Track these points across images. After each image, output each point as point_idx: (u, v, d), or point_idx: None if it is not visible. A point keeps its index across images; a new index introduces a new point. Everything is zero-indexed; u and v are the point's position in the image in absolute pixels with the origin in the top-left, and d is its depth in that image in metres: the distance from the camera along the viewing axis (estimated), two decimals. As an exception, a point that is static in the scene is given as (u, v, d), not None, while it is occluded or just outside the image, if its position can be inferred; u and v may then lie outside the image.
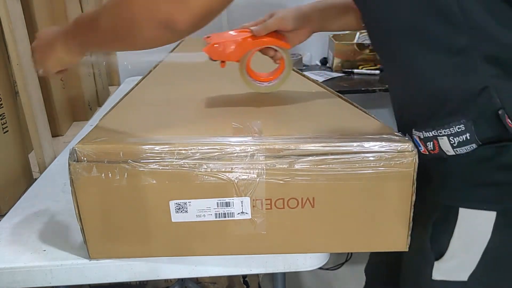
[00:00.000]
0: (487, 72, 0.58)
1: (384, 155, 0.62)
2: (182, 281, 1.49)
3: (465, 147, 0.60)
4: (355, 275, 1.90)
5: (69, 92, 1.42)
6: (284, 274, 0.86)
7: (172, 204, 0.64)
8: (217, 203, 0.64)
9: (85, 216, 0.66)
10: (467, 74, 0.59)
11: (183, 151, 0.62)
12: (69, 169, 0.62)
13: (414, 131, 0.66)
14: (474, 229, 0.64)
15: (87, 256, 0.69)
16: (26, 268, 0.71)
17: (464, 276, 0.67)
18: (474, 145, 0.60)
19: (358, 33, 1.93)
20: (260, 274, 1.62)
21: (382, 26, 0.65)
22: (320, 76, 1.86)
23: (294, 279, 1.87)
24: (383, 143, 0.62)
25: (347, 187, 0.63)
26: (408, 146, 0.62)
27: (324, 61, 2.06)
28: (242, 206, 0.64)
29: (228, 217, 0.65)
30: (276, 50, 0.83)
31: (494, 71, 0.58)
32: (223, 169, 0.62)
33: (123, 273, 0.72)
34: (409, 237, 0.67)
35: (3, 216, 0.87)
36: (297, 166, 0.62)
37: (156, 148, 0.62)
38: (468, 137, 0.59)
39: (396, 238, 0.67)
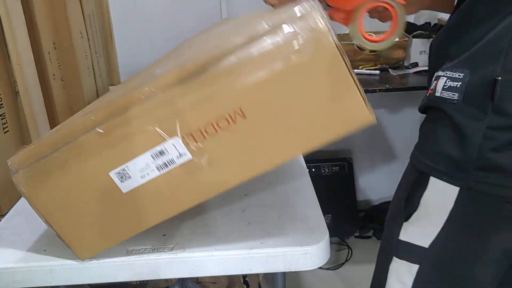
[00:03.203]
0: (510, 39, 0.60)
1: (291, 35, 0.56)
2: (182, 281, 1.49)
3: (450, 92, 0.65)
4: (355, 275, 1.90)
5: (69, 92, 1.42)
6: (284, 274, 0.87)
7: (113, 175, 0.63)
8: (151, 155, 0.62)
9: (53, 220, 0.66)
10: (494, 32, 0.61)
11: (93, 118, 0.62)
12: (14, 183, 0.64)
13: (436, 71, 0.70)
14: (439, 198, 0.67)
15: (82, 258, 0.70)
16: (26, 268, 0.71)
17: (426, 243, 0.70)
18: (456, 96, 0.64)
19: (358, 33, 1.94)
20: (260, 274, 1.62)
21: None
22: (320, 76, 1.86)
23: (294, 279, 1.87)
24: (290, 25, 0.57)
25: (268, 83, 0.58)
26: (313, 17, 0.56)
27: (324, 61, 2.06)
28: (176, 148, 0.62)
29: (170, 165, 0.63)
30: (386, 9, 0.79)
31: None
32: (138, 122, 0.60)
33: (123, 273, 0.72)
34: (369, 108, 0.60)
35: (3, 216, 0.87)
36: (207, 82, 0.58)
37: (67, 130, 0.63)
38: (458, 86, 0.64)
39: (354, 112, 0.60)
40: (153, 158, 0.63)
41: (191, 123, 0.61)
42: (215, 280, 1.57)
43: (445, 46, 0.72)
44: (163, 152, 0.62)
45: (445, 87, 0.66)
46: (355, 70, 1.96)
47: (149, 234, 0.78)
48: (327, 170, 2.04)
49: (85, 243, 0.69)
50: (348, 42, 1.94)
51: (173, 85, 0.60)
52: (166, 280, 1.54)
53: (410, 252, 0.72)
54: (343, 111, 0.60)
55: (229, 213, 0.84)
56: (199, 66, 0.59)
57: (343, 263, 1.95)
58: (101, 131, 0.61)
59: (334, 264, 1.93)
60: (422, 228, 0.70)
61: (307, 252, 0.74)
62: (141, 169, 0.63)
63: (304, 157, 1.07)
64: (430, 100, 0.70)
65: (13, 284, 0.72)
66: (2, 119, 0.97)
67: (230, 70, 0.58)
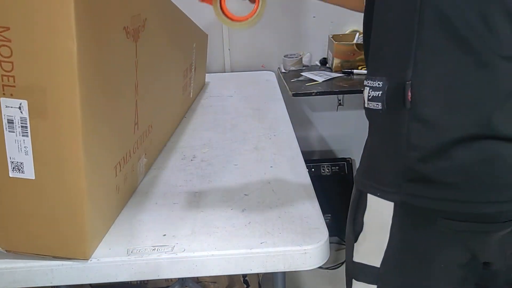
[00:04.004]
0: (416, 39, 0.58)
1: None
2: (182, 281, 1.49)
3: (374, 103, 0.62)
4: (355, 274, 1.90)
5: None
6: (284, 273, 0.87)
7: None
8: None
9: None
10: (404, 38, 0.59)
11: None
12: None
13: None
14: (379, 215, 0.65)
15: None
16: (27, 268, 0.71)
17: (377, 262, 0.67)
18: (380, 105, 0.61)
19: (357, 34, 1.94)
20: (260, 273, 1.63)
21: None
22: (320, 76, 1.87)
23: (294, 279, 1.87)
24: None
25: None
26: None
27: (323, 61, 2.06)
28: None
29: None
30: None
31: (422, 40, 0.57)
32: None
33: (123, 273, 0.73)
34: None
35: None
36: None
37: None
38: (379, 95, 0.61)
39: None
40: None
41: None
42: (215, 279, 1.58)
43: (365, 51, 0.71)
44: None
45: (369, 97, 0.63)
46: (355, 71, 1.96)
47: (149, 234, 0.78)
48: (327, 170, 2.04)
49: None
50: (347, 43, 1.95)
51: None
52: (167, 280, 1.54)
53: (365, 273, 0.70)
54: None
55: (229, 213, 0.84)
56: None
57: (342, 263, 1.95)
58: None
59: (333, 264, 1.94)
60: (371, 247, 0.68)
61: (306, 252, 0.74)
62: None
63: (304, 157, 1.07)
64: (365, 112, 0.67)
65: (13, 284, 0.72)
66: (2, 119, 0.97)
67: None
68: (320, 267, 0.76)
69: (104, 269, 0.72)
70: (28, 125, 0.63)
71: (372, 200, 0.65)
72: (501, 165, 0.58)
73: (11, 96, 0.62)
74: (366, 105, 0.65)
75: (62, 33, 0.59)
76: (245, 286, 1.59)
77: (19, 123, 0.63)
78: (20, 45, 0.60)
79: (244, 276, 1.59)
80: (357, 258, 0.71)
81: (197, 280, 1.55)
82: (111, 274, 0.73)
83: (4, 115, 0.63)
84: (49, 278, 0.72)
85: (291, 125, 1.26)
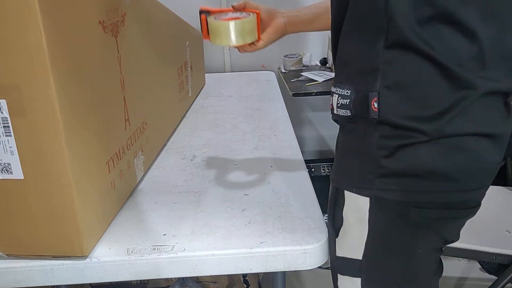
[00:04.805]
0: (383, 57, 0.62)
1: None
2: (182, 280, 1.49)
3: (343, 110, 0.67)
4: (354, 274, 1.90)
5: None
6: (284, 273, 0.87)
7: None
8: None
9: None
10: (369, 52, 0.63)
11: None
12: None
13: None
14: (357, 210, 0.69)
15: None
16: (27, 268, 0.72)
17: (359, 255, 0.70)
18: (348, 112, 0.66)
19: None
20: (260, 273, 1.63)
21: None
22: (320, 76, 1.87)
23: (294, 279, 1.87)
24: None
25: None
26: None
27: (324, 62, 2.07)
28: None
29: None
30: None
31: (389, 58, 0.62)
32: None
33: (123, 272, 0.73)
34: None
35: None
36: None
37: None
38: (347, 103, 0.66)
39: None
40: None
41: None
42: (215, 279, 1.58)
43: (333, 56, 0.74)
44: None
45: (338, 105, 0.68)
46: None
47: (149, 233, 0.78)
48: (327, 170, 2.04)
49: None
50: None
51: None
52: (167, 280, 1.54)
53: (348, 266, 0.73)
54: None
55: (229, 213, 0.84)
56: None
57: (343, 263, 1.95)
58: None
59: (334, 264, 1.94)
60: (352, 241, 0.71)
61: (306, 252, 0.74)
62: None
63: (304, 157, 1.07)
64: (332, 116, 0.72)
65: (14, 283, 0.72)
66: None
67: None
68: (320, 267, 0.76)
69: (104, 269, 0.72)
70: (10, 124, 0.63)
71: (349, 196, 0.69)
72: (463, 158, 0.63)
73: None
74: (335, 111, 0.69)
75: (30, 27, 0.58)
76: (245, 286, 1.59)
77: (1, 123, 0.63)
78: None
79: (244, 276, 1.59)
80: (340, 252, 0.73)
81: (197, 280, 1.55)
82: (111, 273, 0.73)
83: None
84: (49, 278, 0.72)
85: (291, 125, 1.26)
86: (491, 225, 1.36)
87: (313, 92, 1.70)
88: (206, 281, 1.58)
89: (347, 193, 0.69)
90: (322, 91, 1.71)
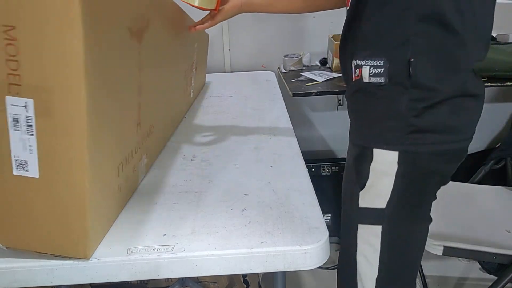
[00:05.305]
0: (414, 29, 0.75)
1: None
2: (182, 280, 1.49)
3: (377, 78, 0.79)
4: (354, 274, 1.90)
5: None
6: (284, 273, 0.87)
7: None
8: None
9: None
10: (398, 26, 0.76)
11: None
12: None
13: (352, 60, 0.83)
14: (384, 164, 0.81)
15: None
16: (27, 268, 0.72)
17: (382, 204, 0.83)
18: (382, 80, 0.78)
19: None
20: (260, 273, 1.63)
21: None
22: (320, 76, 1.87)
23: (294, 279, 1.87)
24: None
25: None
26: None
27: (323, 62, 2.07)
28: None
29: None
30: None
31: (418, 29, 0.75)
32: None
33: (124, 273, 0.73)
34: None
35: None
36: None
37: None
38: (382, 72, 0.78)
39: None
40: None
41: None
42: (215, 279, 1.58)
43: (350, 38, 0.85)
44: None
45: (370, 74, 0.79)
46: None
47: (149, 233, 0.78)
48: (327, 170, 2.04)
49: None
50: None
51: None
52: (167, 280, 1.54)
53: (371, 216, 0.84)
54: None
55: (229, 213, 0.84)
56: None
57: (343, 263, 1.95)
58: None
59: (333, 264, 1.93)
60: (377, 192, 0.83)
61: (306, 252, 0.74)
62: None
63: (304, 157, 1.07)
64: (358, 86, 0.82)
65: (14, 283, 0.72)
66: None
67: None
68: (320, 267, 0.76)
69: (104, 269, 0.72)
70: (34, 123, 0.63)
71: (378, 153, 0.81)
72: (467, 115, 0.80)
73: (17, 94, 0.62)
74: (366, 80, 0.80)
75: (68, 33, 0.59)
76: (245, 286, 1.59)
77: (25, 121, 0.63)
78: (26, 44, 0.60)
79: (244, 276, 1.59)
80: (364, 204, 0.85)
81: (197, 280, 1.55)
82: (112, 273, 0.73)
83: (10, 114, 0.63)
84: (50, 278, 0.72)
85: (291, 125, 1.26)
86: (491, 225, 1.37)
87: (313, 92, 1.69)
88: (206, 281, 1.58)
89: (376, 150, 0.81)
90: (322, 91, 1.70)
